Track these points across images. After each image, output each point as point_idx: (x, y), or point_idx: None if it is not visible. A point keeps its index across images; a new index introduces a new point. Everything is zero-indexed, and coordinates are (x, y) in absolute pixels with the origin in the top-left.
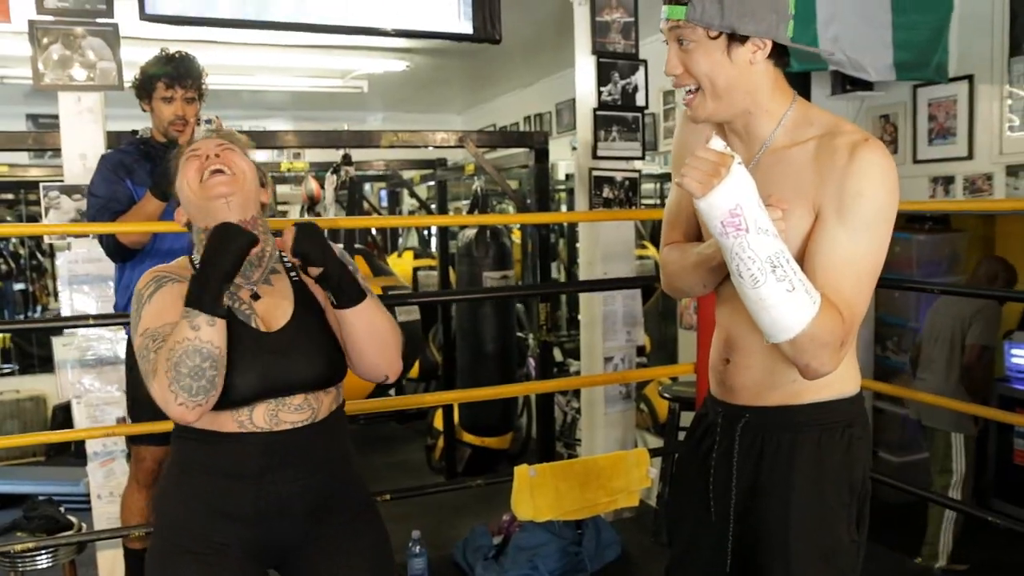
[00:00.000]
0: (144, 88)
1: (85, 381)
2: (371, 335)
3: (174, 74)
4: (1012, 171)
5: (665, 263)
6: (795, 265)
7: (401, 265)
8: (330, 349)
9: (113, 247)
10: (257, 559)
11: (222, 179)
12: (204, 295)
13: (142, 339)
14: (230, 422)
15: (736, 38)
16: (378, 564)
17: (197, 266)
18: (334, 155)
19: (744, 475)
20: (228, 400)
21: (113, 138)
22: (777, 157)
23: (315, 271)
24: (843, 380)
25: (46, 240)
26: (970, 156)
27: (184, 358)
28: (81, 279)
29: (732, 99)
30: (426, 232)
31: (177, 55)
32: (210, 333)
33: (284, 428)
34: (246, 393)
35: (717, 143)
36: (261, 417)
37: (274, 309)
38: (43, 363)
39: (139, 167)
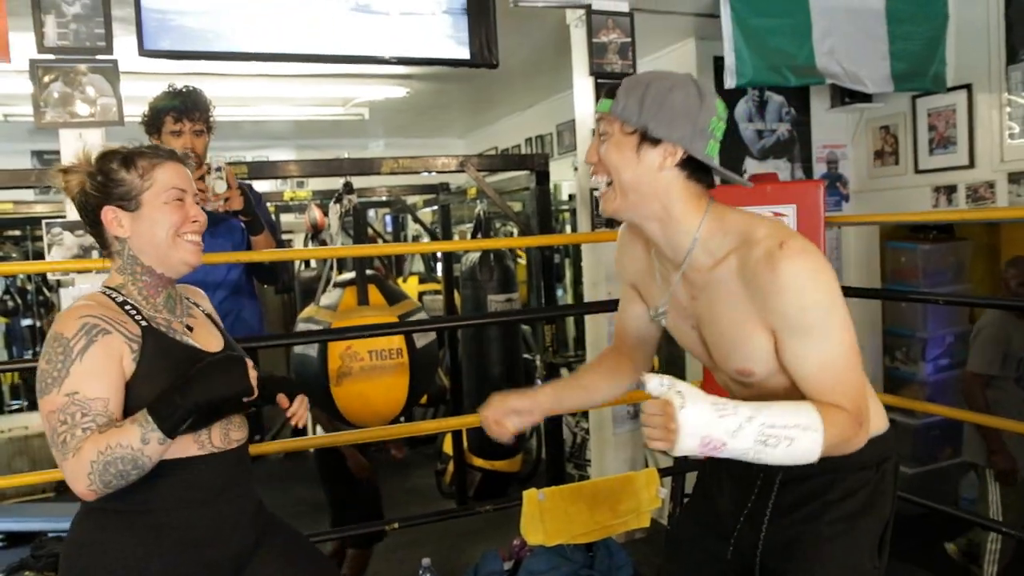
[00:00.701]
0: (153, 123)
1: None
2: None
3: (182, 108)
4: (1014, 178)
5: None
6: (777, 416)
7: (407, 290)
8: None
9: None
10: None
11: (196, 250)
12: (173, 418)
13: (67, 401)
14: (191, 445)
15: (648, 140)
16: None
17: (179, 380)
18: (337, 183)
19: (778, 516)
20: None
21: None
22: (706, 279)
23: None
24: (873, 421)
25: (50, 276)
26: (971, 165)
27: (118, 461)
28: None
29: (639, 200)
30: (431, 257)
31: (184, 89)
32: (156, 451)
33: (233, 447)
34: None
35: (654, 386)
36: (217, 436)
37: (206, 336)
38: None
39: None
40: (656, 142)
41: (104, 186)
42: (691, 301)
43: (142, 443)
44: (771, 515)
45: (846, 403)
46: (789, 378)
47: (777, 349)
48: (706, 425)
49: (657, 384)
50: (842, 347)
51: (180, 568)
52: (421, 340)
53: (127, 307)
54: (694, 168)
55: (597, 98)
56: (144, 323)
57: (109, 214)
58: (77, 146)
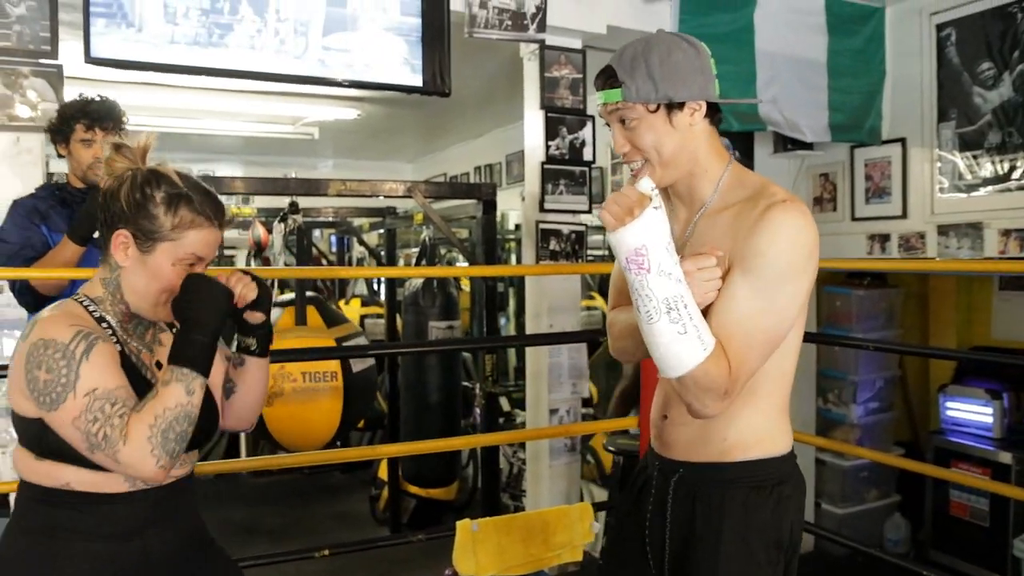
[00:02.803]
0: (61, 130)
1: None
2: (264, 384)
3: (95, 115)
4: (943, 230)
5: (610, 325)
6: (695, 311)
7: (349, 312)
8: (214, 403)
9: (27, 294)
10: None
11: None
12: (202, 358)
13: (89, 400)
14: (120, 483)
15: (674, 106)
16: None
17: (176, 324)
18: (283, 201)
19: (677, 528)
20: None
21: (53, 179)
22: (710, 220)
23: (258, 317)
24: (773, 439)
25: None
26: (904, 215)
27: (175, 424)
28: (12, 324)
29: (678, 162)
30: (375, 280)
31: (97, 97)
32: (200, 396)
33: (168, 483)
34: None
35: (645, 184)
36: None
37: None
38: None
39: (55, 213)
40: (681, 105)
41: (136, 206)
42: (686, 240)
43: (188, 395)
44: (671, 524)
45: (733, 365)
46: None
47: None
48: (656, 239)
49: (650, 185)
50: (764, 316)
51: None
52: (358, 365)
53: (103, 324)
54: (711, 112)
55: (548, 131)
56: (119, 346)
57: (120, 237)
58: (14, 150)
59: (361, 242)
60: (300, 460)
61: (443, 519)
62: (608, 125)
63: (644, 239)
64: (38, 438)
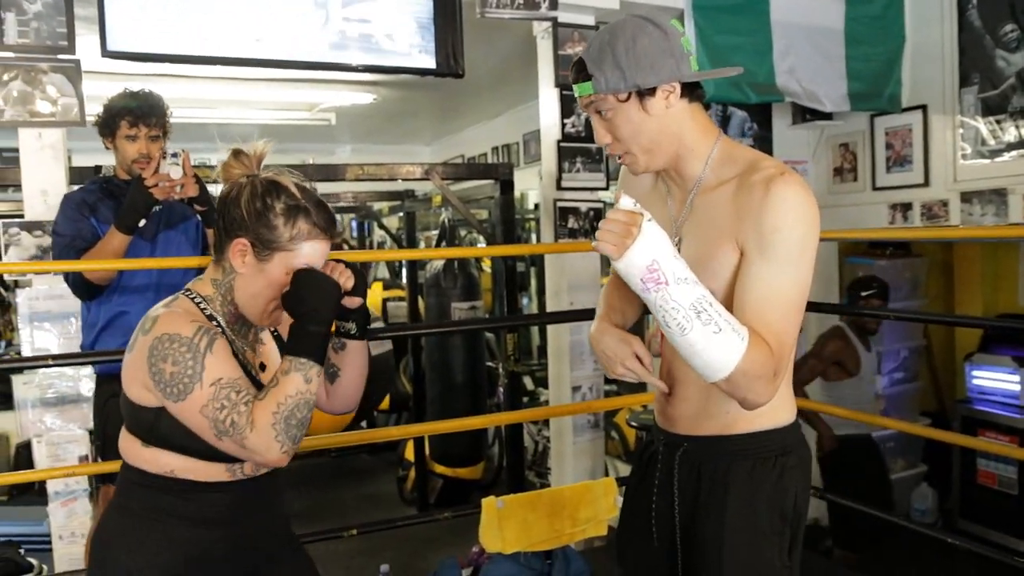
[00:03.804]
0: (107, 126)
1: (47, 419)
2: (365, 364)
3: (138, 112)
4: (966, 197)
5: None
6: (719, 306)
7: (371, 296)
8: None
9: (80, 284)
10: None
11: (281, 318)
12: (318, 348)
13: (215, 390)
14: (223, 472)
15: (645, 92)
16: None
17: (292, 317)
18: None
19: (684, 502)
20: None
21: (77, 174)
22: (705, 198)
23: (356, 302)
24: (776, 410)
25: (7, 277)
26: (926, 183)
27: (295, 411)
28: (42, 316)
29: (661, 148)
30: (396, 263)
31: (141, 92)
32: (317, 384)
33: (261, 473)
34: None
35: (626, 202)
36: (250, 465)
37: (270, 364)
38: (5, 400)
39: (103, 205)
40: (652, 90)
41: (257, 215)
42: (684, 219)
43: (306, 383)
44: (679, 499)
45: (773, 344)
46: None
47: (738, 273)
48: (662, 250)
49: (631, 202)
50: (793, 288)
51: None
52: (375, 349)
53: (213, 322)
54: (690, 90)
55: (563, 109)
56: (228, 344)
57: (239, 245)
58: (36, 146)
59: (381, 226)
60: (328, 442)
61: (470, 498)
62: (588, 116)
63: (653, 253)
64: (149, 426)
